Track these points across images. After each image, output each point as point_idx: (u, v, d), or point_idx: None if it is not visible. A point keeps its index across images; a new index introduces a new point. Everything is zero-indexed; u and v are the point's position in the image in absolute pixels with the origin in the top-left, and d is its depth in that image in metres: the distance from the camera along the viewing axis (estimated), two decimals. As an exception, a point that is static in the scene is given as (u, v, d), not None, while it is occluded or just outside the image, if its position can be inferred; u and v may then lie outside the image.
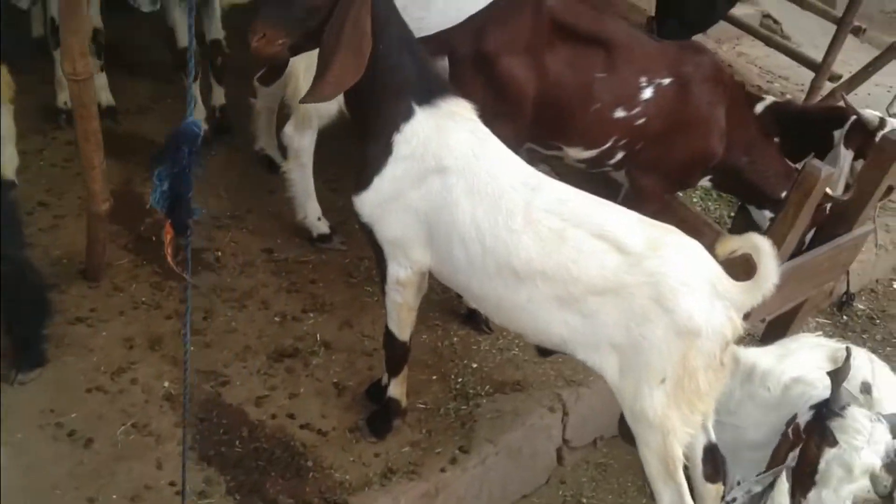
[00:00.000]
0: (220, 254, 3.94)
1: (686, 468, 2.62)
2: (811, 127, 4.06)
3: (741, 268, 2.56)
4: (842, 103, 3.98)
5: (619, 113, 3.35)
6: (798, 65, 6.43)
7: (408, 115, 2.62)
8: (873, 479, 2.26)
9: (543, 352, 3.45)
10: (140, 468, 2.97)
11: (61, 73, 3.75)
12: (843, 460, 2.24)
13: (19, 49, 3.82)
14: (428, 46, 3.11)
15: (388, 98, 2.63)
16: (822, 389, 2.49)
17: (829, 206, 3.57)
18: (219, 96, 4.70)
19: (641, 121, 3.38)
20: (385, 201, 2.70)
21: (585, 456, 3.68)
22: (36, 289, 3.17)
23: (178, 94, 4.52)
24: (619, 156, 3.49)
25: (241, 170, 4.51)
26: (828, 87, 6.00)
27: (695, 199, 5.00)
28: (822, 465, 2.27)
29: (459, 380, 3.52)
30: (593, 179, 3.82)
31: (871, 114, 3.80)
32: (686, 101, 3.41)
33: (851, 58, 6.71)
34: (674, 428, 2.51)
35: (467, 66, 3.22)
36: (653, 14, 6.28)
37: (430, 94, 2.64)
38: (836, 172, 3.56)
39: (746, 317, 2.58)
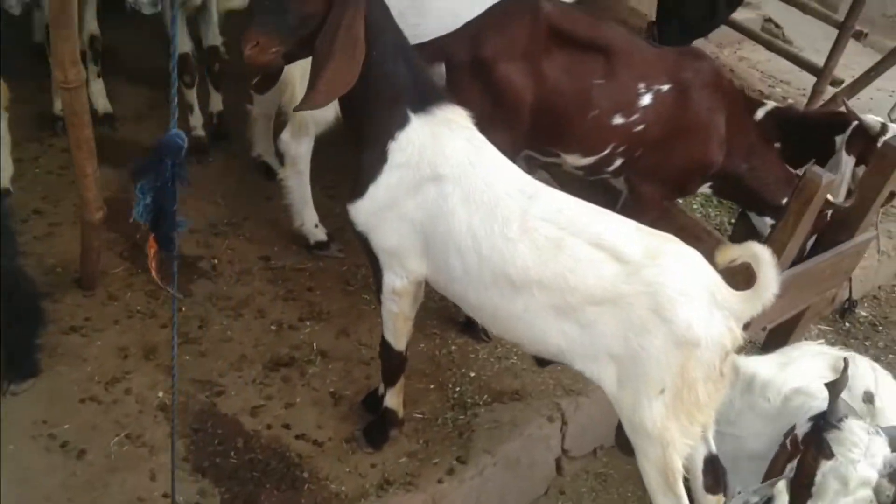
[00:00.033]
0: (216, 261, 3.91)
1: (686, 479, 2.58)
2: (812, 132, 4.03)
3: (741, 276, 2.53)
4: (843, 108, 3.95)
5: (618, 119, 3.32)
6: (800, 69, 6.41)
7: (403, 122, 2.59)
8: (876, 489, 2.23)
9: (541, 362, 3.42)
10: (133, 480, 2.93)
11: (59, 81, 3.74)
12: (839, 473, 2.21)
13: (16, 56, 3.80)
14: (424, 53, 3.10)
15: (383, 105, 2.60)
16: (822, 400, 2.45)
17: (830, 212, 3.53)
18: (216, 102, 4.67)
19: (640, 127, 3.35)
20: (380, 210, 2.67)
21: (585, 466, 3.64)
22: (29, 299, 3.14)
23: (178, 101, 4.47)
24: (618, 163, 3.46)
25: (238, 176, 4.48)
26: (830, 91, 5.97)
27: (695, 206, 4.96)
28: (818, 478, 2.23)
29: (457, 389, 3.48)
30: (592, 186, 3.79)
31: (873, 119, 3.77)
32: (685, 108, 3.37)
33: (853, 62, 6.67)
34: (673, 439, 2.48)
35: (464, 72, 3.18)
36: (654, 18, 6.27)
37: (425, 101, 2.61)
38: (837, 178, 3.53)
39: (746, 327, 2.55)
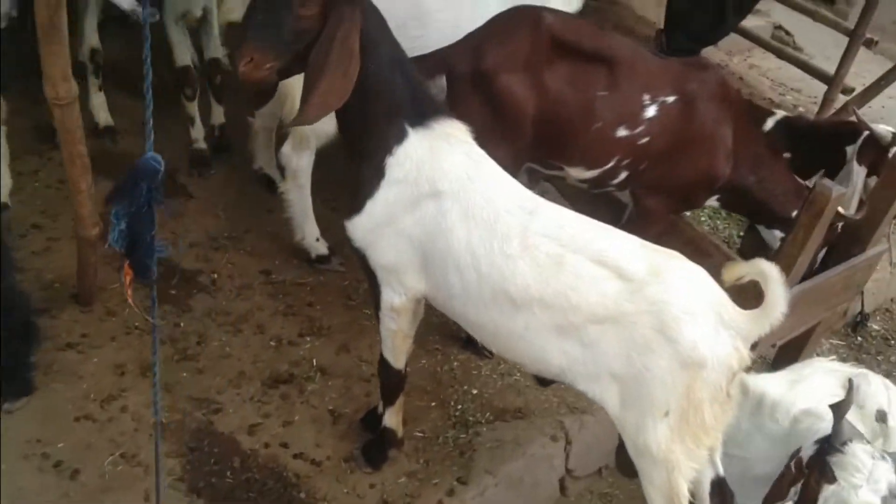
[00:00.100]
0: (216, 276, 3.86)
1: (692, 503, 2.51)
2: (823, 142, 3.97)
3: (750, 292, 2.45)
4: (854, 118, 3.88)
5: (622, 132, 3.25)
6: (811, 77, 6.34)
7: (400, 137, 2.53)
8: None
9: (543, 381, 3.37)
10: (127, 500, 2.87)
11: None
12: (840, 498, 2.17)
13: (15, 68, 3.76)
14: (425, 65, 3.05)
15: (380, 120, 2.54)
16: (831, 422, 2.38)
17: (841, 224, 3.46)
18: (218, 115, 4.64)
19: (645, 140, 3.28)
20: (378, 226, 2.61)
21: (589, 486, 3.56)
22: (23, 316, 3.10)
23: (177, 113, 4.46)
24: (623, 176, 3.39)
25: (240, 189, 4.44)
26: (841, 99, 5.90)
27: (703, 219, 4.89)
28: (820, 503, 2.17)
29: (459, 407, 3.41)
30: (597, 200, 3.72)
31: (885, 129, 3.70)
32: (691, 120, 3.30)
33: (864, 70, 6.60)
34: (678, 463, 2.40)
35: (465, 84, 3.12)
36: (661, 27, 6.23)
37: (423, 115, 2.55)
38: (848, 190, 3.46)
39: (754, 346, 2.47)
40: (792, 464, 2.39)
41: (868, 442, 2.30)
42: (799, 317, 3.29)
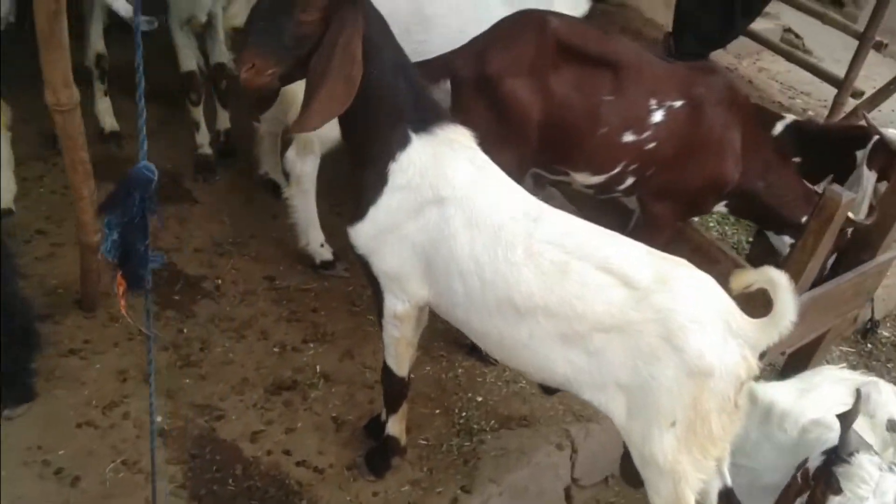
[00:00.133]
0: (220, 282, 3.84)
1: (699, 513, 2.47)
2: (833, 147, 3.92)
3: (760, 300, 2.41)
4: (864, 122, 3.83)
5: (628, 137, 3.21)
6: (820, 80, 6.29)
7: (403, 143, 2.51)
8: None
9: (548, 389, 3.32)
10: (128, 508, 2.86)
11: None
12: None
13: (20, 74, 3.76)
14: (429, 70, 3.03)
15: (383, 125, 2.51)
16: (839, 433, 2.35)
17: (851, 230, 3.42)
18: (224, 120, 4.62)
19: (652, 145, 3.24)
20: (381, 233, 2.58)
21: (595, 495, 3.52)
22: (25, 322, 3.08)
23: (184, 118, 4.45)
24: (629, 181, 3.35)
25: (245, 194, 4.43)
26: (851, 103, 5.85)
27: (711, 225, 4.84)
28: None
29: (463, 414, 3.38)
30: (604, 205, 3.69)
31: (895, 133, 3.65)
32: (699, 124, 3.26)
33: (874, 73, 6.55)
34: (685, 474, 2.36)
35: (469, 89, 3.10)
36: (670, 30, 6.19)
37: (426, 120, 2.52)
38: (858, 196, 3.42)
39: (762, 355, 2.43)
40: (799, 474, 2.36)
41: (876, 453, 2.26)
42: (809, 324, 3.25)
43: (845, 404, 2.50)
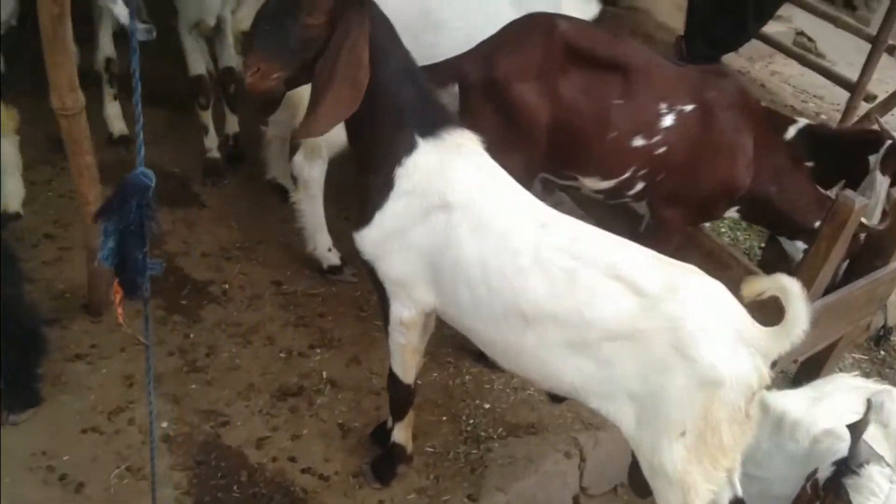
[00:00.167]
0: (227, 286, 3.83)
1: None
2: (845, 151, 3.87)
3: (772, 307, 2.36)
4: (877, 126, 3.79)
5: (638, 141, 3.18)
6: (833, 84, 6.23)
7: (410, 147, 2.48)
8: None
9: (556, 397, 3.29)
10: (132, 514, 2.84)
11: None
12: None
13: (30, 77, 3.76)
14: (437, 74, 3.01)
15: (390, 130, 2.49)
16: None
17: (864, 236, 3.37)
18: (232, 124, 4.62)
19: (662, 150, 3.20)
20: (386, 238, 2.55)
21: (604, 504, 3.49)
22: (29, 328, 3.06)
23: (193, 122, 4.44)
24: (639, 186, 3.31)
25: (253, 199, 4.41)
26: (864, 107, 5.80)
27: (722, 230, 4.79)
28: None
29: (471, 421, 3.35)
30: (613, 211, 3.65)
31: (908, 138, 3.60)
32: (710, 129, 3.22)
33: (887, 76, 6.50)
34: (695, 484, 2.32)
35: (477, 93, 3.07)
36: (682, 33, 6.15)
37: (433, 125, 2.49)
38: (871, 201, 3.37)
39: (774, 364, 2.39)
40: (808, 485, 2.33)
41: (888, 464, 2.22)
42: (821, 331, 3.21)
43: (858, 413, 2.46)
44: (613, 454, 3.31)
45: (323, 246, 3.90)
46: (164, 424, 3.15)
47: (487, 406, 3.43)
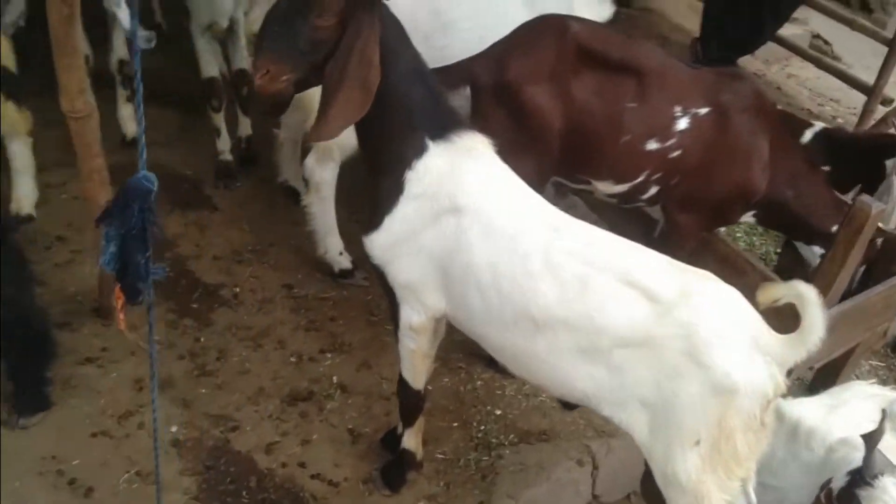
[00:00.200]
0: (238, 290, 3.82)
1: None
2: (862, 155, 3.83)
3: (788, 313, 2.32)
4: (893, 130, 3.74)
5: (652, 145, 3.13)
6: (850, 87, 6.17)
7: (420, 150, 2.45)
8: None
9: (568, 404, 3.25)
10: (140, 519, 2.83)
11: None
12: None
13: (44, 80, 3.77)
14: (448, 76, 2.97)
15: (400, 133, 2.46)
16: (865, 453, 2.27)
17: (881, 241, 3.32)
18: (245, 127, 4.61)
19: (676, 153, 3.16)
20: (396, 243, 2.53)
21: (617, 512, 3.44)
22: (39, 331, 3.06)
23: (206, 125, 4.44)
24: (653, 190, 3.27)
25: (265, 202, 4.40)
26: (881, 110, 5.73)
27: (738, 235, 4.73)
28: None
29: (482, 428, 3.31)
30: (627, 215, 3.61)
31: (924, 143, 3.55)
32: (725, 132, 3.17)
33: (905, 80, 6.40)
34: (709, 494, 2.28)
35: (489, 96, 3.04)
36: (697, 35, 6.10)
37: (444, 128, 2.46)
38: (888, 206, 3.32)
39: (790, 372, 2.34)
40: (822, 495, 2.29)
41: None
42: (838, 338, 3.15)
43: (873, 422, 2.42)
44: (626, 462, 3.27)
45: (334, 249, 3.88)
46: (174, 429, 3.14)
47: (499, 412, 3.39)
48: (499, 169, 2.50)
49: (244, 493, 2.96)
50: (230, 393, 3.31)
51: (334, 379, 3.43)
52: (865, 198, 2.92)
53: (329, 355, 3.55)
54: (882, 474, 2.11)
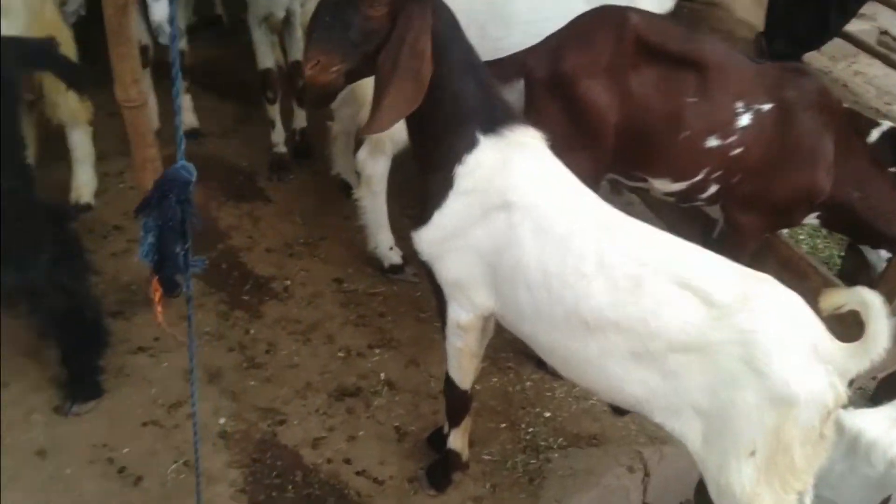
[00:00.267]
0: (289, 283, 3.83)
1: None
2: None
3: (851, 320, 2.21)
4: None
5: (713, 142, 3.03)
6: (920, 85, 5.93)
7: (471, 145, 2.39)
8: None
9: (619, 409, 3.17)
10: (187, 510, 2.84)
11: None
12: None
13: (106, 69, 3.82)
14: (501, 69, 2.92)
15: (450, 126, 2.40)
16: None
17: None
18: (300, 119, 4.63)
19: (738, 151, 3.05)
20: (445, 239, 2.47)
21: (668, 522, 3.35)
22: (93, 320, 3.10)
23: (262, 117, 4.46)
24: (713, 189, 3.16)
25: (318, 195, 4.41)
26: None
27: (801, 237, 4.56)
28: None
29: (530, 430, 3.24)
30: (685, 214, 3.50)
31: None
32: (789, 130, 3.04)
33: (977, 78, 6.13)
34: (764, 507, 2.19)
35: (543, 89, 2.97)
36: (762, 30, 5.94)
37: (495, 122, 2.40)
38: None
39: (852, 382, 2.23)
40: (880, 511, 2.18)
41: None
42: (904, 347, 3.01)
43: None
44: (679, 470, 3.17)
45: (384, 244, 3.86)
46: (222, 420, 3.16)
47: (548, 415, 3.32)
48: (552, 164, 2.43)
49: (290, 487, 2.95)
50: (278, 386, 3.31)
51: (382, 375, 3.40)
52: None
53: (377, 351, 3.52)
54: None
